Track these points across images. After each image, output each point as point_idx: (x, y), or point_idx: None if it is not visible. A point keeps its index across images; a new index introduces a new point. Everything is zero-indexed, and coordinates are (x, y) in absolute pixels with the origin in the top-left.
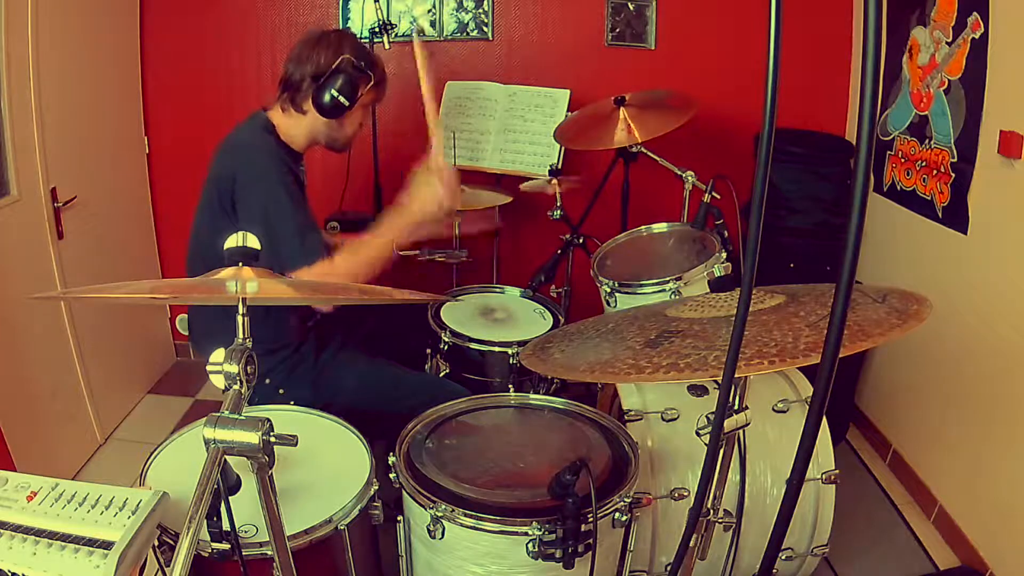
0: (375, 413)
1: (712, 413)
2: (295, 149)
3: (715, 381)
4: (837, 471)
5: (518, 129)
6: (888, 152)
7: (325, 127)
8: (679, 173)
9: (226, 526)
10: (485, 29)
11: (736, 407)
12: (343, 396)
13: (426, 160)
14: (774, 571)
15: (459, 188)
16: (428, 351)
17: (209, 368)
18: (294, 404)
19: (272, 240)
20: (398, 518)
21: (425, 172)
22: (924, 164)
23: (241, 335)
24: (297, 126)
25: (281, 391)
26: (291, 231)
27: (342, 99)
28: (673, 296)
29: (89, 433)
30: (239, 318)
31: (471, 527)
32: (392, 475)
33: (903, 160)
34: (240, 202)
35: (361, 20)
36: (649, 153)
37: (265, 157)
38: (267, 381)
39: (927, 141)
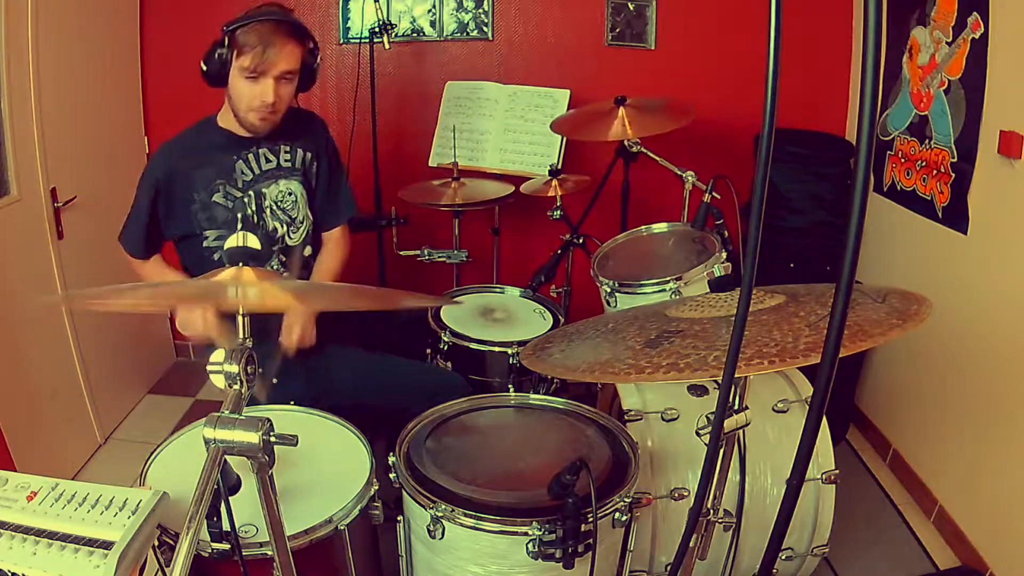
0: (371, 405)
1: (712, 413)
2: (240, 134)
3: (715, 381)
4: (837, 471)
5: (518, 129)
6: (888, 152)
7: (228, 101)
8: (679, 173)
9: (226, 526)
10: (485, 29)
11: (736, 407)
12: (338, 387)
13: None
14: (774, 571)
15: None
16: (428, 351)
17: (209, 368)
18: (293, 403)
19: None
20: (398, 518)
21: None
22: (924, 164)
23: (241, 335)
24: (226, 106)
25: (274, 380)
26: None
27: (203, 64)
28: (673, 296)
29: (89, 433)
30: (239, 318)
31: (471, 527)
32: (392, 475)
33: (903, 160)
34: None
35: (361, 20)
36: (649, 153)
37: (157, 152)
38: (260, 371)
39: (927, 141)
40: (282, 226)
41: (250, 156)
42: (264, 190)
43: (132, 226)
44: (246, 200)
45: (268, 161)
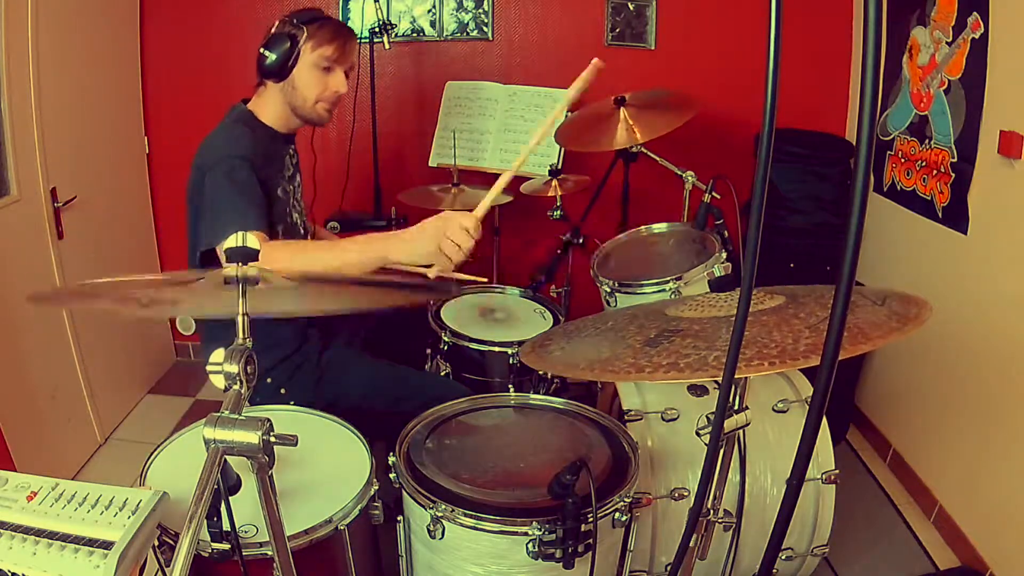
0: (378, 414)
1: (712, 413)
2: (279, 130)
3: (715, 381)
4: (837, 471)
5: (518, 129)
6: (888, 152)
7: (282, 94)
8: (679, 173)
9: (226, 526)
10: (485, 29)
11: (736, 407)
12: (347, 398)
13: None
14: (774, 571)
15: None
16: (428, 351)
17: (209, 368)
18: (294, 404)
19: (203, 217)
20: (398, 518)
21: (455, 219)
22: (924, 164)
23: (241, 335)
24: (267, 102)
25: (282, 391)
26: (218, 208)
27: (270, 55)
28: (673, 296)
29: (89, 433)
30: (239, 318)
31: (471, 527)
32: (392, 475)
33: (903, 160)
34: (203, 191)
35: (361, 20)
36: (649, 153)
37: (220, 146)
38: (268, 380)
39: (927, 141)
40: (299, 217)
41: (287, 152)
42: (295, 185)
43: (251, 207)
44: (291, 192)
45: (293, 157)
